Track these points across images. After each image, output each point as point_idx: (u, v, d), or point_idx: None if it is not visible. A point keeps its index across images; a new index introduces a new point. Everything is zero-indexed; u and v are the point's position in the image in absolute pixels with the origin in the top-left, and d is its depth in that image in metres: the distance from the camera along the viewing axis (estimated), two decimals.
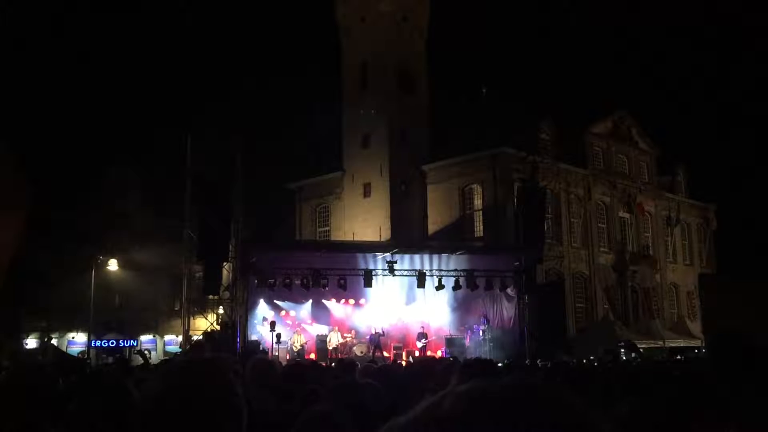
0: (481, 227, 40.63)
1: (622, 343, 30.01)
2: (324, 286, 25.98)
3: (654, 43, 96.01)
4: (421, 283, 27.02)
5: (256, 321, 26.47)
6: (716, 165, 66.14)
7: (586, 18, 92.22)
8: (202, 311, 27.12)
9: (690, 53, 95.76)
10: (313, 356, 25.49)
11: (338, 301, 27.99)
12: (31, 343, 37.40)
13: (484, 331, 27.83)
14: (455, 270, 27.73)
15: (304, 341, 26.43)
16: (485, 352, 26.52)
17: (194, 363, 1.59)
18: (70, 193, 40.78)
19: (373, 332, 26.87)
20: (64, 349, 36.43)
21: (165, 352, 37.95)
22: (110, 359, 31.18)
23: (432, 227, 42.01)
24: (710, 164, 71.93)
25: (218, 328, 25.65)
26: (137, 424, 1.45)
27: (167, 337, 40.14)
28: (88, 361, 29.00)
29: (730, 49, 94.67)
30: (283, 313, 27.31)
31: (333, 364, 13.67)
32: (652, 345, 34.43)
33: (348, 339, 27.28)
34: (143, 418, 1.45)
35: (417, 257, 28.40)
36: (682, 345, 35.75)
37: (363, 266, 27.04)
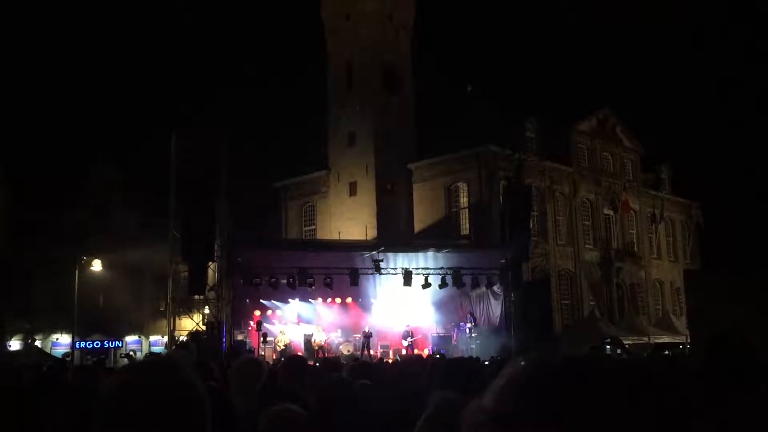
0: (468, 225, 40.72)
1: (608, 340, 30.12)
2: (310, 286, 25.91)
3: (637, 41, 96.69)
4: (407, 282, 27.01)
5: (242, 321, 26.37)
6: (700, 162, 66.87)
7: (570, 16, 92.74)
8: (188, 311, 26.94)
9: (673, 50, 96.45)
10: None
11: (324, 300, 27.94)
12: (15, 344, 37.04)
13: (470, 329, 27.87)
14: (442, 268, 27.75)
15: (289, 340, 26.37)
16: (472, 349, 26.57)
17: (153, 361, 1.58)
18: (53, 193, 40.41)
19: (365, 331, 26.87)
20: (48, 350, 36.13)
21: (150, 353, 37.70)
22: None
23: (418, 225, 42.04)
24: (694, 161, 72.50)
25: (204, 328, 25.49)
26: (95, 421, 1.43)
27: (153, 338, 39.90)
28: (68, 359, 28.79)
29: (712, 46, 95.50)
30: (269, 312, 27.22)
31: (317, 364, 13.62)
32: (638, 341, 34.56)
33: (334, 338, 27.25)
34: (100, 416, 1.43)
35: (403, 256, 28.38)
36: (667, 341, 35.91)
37: (349, 265, 26.98)
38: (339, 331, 27.65)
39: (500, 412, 0.86)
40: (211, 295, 25.89)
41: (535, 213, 38.51)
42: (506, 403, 0.86)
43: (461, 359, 11.38)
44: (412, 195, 42.84)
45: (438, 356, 19.15)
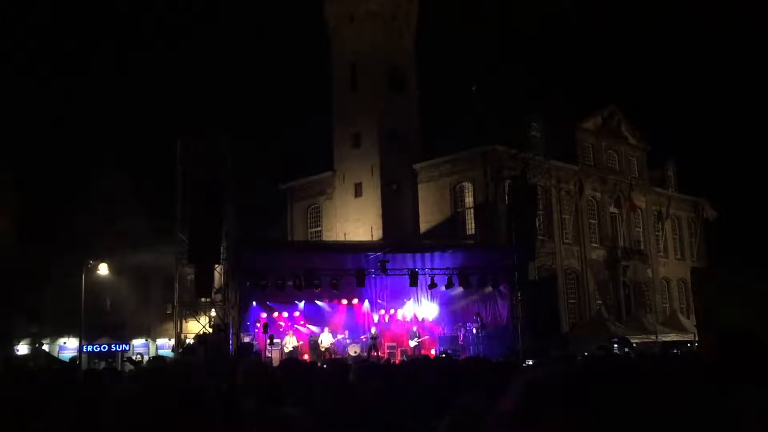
0: (473, 225, 40.66)
1: (616, 339, 30.06)
2: (316, 287, 25.89)
3: (641, 38, 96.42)
4: (413, 282, 26.96)
5: (248, 323, 26.37)
6: (706, 158, 66.57)
7: (574, 14, 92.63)
8: (195, 314, 26.96)
9: (677, 46, 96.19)
10: (306, 357, 25.44)
11: (331, 301, 27.93)
12: (23, 349, 37.17)
13: (477, 329, 27.82)
14: (448, 268, 27.70)
15: (296, 342, 26.38)
16: (479, 350, 26.53)
17: (162, 366, 1.58)
18: (60, 197, 40.56)
19: (372, 332, 26.87)
20: (55, 354, 36.24)
21: (155, 357, 37.76)
22: (102, 364, 31.06)
23: (424, 226, 42.00)
24: (700, 158, 72.32)
25: (211, 330, 25.50)
26: (105, 424, 1.43)
27: (159, 341, 39.96)
28: (77, 363, 28.84)
29: (718, 42, 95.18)
30: (276, 314, 27.23)
31: (325, 366, 13.60)
32: (645, 339, 34.51)
33: (341, 339, 27.24)
34: (109, 419, 1.44)
35: (409, 256, 28.34)
36: (674, 339, 35.82)
37: (355, 266, 26.96)
38: (346, 332, 27.62)
39: (519, 414, 0.86)
40: (218, 297, 25.90)
41: (541, 212, 38.41)
42: (525, 405, 0.87)
43: (470, 359, 11.36)
44: (417, 195, 42.82)
45: (444, 356, 19.14)
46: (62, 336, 38.19)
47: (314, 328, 27.63)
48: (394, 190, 42.00)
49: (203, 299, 26.71)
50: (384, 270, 26.60)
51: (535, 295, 28.36)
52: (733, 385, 2.92)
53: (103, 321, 37.05)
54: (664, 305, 48.39)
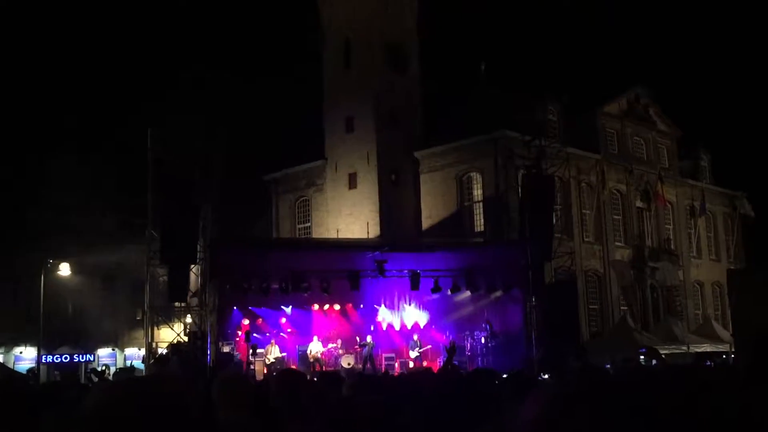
0: (482, 221, 40.74)
1: (643, 350, 30.14)
2: (305, 290, 25.98)
3: (671, 13, 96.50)
4: (414, 285, 27.05)
5: (229, 331, 26.45)
6: (743, 147, 66.50)
7: None
8: (168, 321, 27.02)
9: (712, 24, 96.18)
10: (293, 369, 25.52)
11: (321, 306, 28.00)
12: None
13: (486, 338, 27.93)
14: (453, 269, 27.80)
15: (280, 354, 26.41)
16: (488, 361, 26.63)
17: (133, 380, 1.60)
18: (15, 189, 40.50)
19: (368, 341, 26.96)
20: (11, 365, 36.26)
21: (121, 369, 37.85)
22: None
23: (426, 221, 42.08)
24: (737, 146, 72.43)
25: (186, 339, 25.57)
26: None
27: (128, 351, 40.02)
28: (33, 375, 28.86)
29: (756, 15, 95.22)
30: (259, 321, 27.30)
31: (315, 378, 13.62)
32: (675, 350, 34.65)
33: (333, 349, 27.33)
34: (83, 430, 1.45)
35: (410, 256, 28.43)
36: (708, 350, 35.94)
37: (349, 267, 27.02)
38: (338, 341, 27.70)
39: (542, 422, 0.87)
40: (194, 302, 25.97)
41: (559, 206, 38.50)
42: (548, 414, 0.88)
43: (477, 372, 11.40)
44: (419, 187, 42.87)
45: (449, 367, 19.21)
46: (18, 345, 38.22)
47: (302, 337, 27.73)
48: (392, 180, 42.06)
49: (177, 304, 26.75)
50: (381, 271, 26.67)
51: (552, 300, 28.45)
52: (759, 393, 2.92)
53: (64, 328, 37.04)
54: (697, 312, 48.54)
